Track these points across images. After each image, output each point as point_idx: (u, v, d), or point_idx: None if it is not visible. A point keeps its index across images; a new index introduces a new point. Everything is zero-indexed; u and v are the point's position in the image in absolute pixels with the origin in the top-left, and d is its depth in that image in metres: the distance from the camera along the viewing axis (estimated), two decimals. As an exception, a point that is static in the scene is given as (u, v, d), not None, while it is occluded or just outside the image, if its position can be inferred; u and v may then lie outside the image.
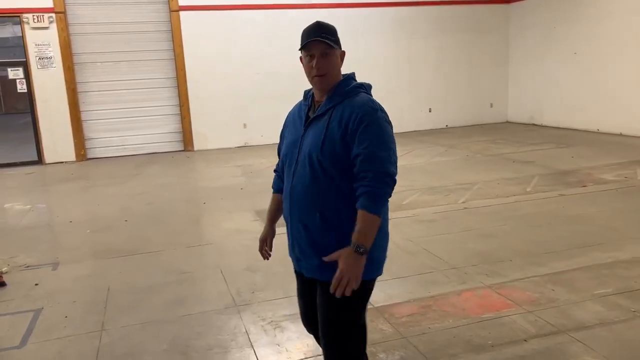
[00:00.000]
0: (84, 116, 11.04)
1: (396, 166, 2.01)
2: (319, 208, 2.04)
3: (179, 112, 11.64)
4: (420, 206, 6.08)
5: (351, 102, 2.06)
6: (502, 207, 5.96)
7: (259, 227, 5.60)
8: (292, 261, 2.29)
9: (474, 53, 13.35)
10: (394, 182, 1.98)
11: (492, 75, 13.76)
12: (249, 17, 11.69)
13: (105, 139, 11.27)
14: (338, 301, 1.94)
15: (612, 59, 10.73)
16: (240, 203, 6.80)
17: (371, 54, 12.52)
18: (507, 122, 13.94)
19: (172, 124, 11.70)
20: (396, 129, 2.47)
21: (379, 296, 3.74)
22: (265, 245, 2.52)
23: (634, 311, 3.37)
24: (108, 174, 9.41)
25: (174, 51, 11.33)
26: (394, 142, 2.03)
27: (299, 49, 2.13)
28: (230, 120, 11.93)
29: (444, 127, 13.28)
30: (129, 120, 11.36)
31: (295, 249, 2.20)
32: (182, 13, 11.23)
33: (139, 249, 5.15)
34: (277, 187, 2.44)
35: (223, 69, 11.65)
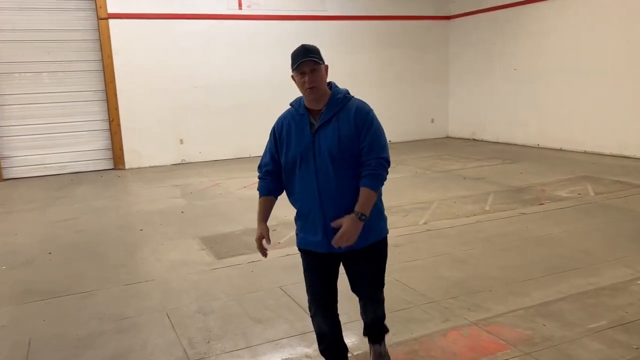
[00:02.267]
0: (-1, 132, 9.96)
1: (388, 151, 2.58)
2: (348, 193, 2.52)
3: (109, 128, 10.75)
4: (380, 229, 5.70)
5: (351, 105, 2.57)
6: (466, 229, 5.67)
7: (207, 258, 5.02)
8: (318, 246, 2.61)
9: (416, 69, 13.31)
10: (389, 164, 2.58)
11: (433, 91, 13.77)
12: (185, 27, 11.01)
13: (25, 157, 10.20)
14: (374, 259, 2.72)
15: (551, 74, 10.93)
16: (182, 229, 6.15)
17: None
18: (448, 137, 13.98)
19: (101, 141, 10.78)
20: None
21: (357, 340, 3.27)
22: (262, 244, 2.76)
23: (637, 348, 3.09)
24: (28, 197, 8.42)
25: (103, 62, 10.47)
26: (384, 133, 2.60)
27: (292, 69, 2.55)
28: (166, 136, 11.16)
29: (387, 142, 13.08)
30: (52, 137, 10.36)
31: (330, 234, 2.53)
32: (111, 21, 10.41)
33: (67, 289, 4.42)
34: (267, 191, 2.73)
35: (157, 81, 10.89)
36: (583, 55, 10.19)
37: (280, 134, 2.65)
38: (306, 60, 2.49)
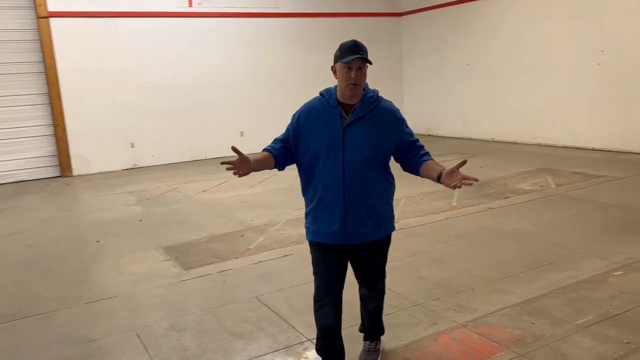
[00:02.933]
0: None
1: None
2: (374, 189, 2.64)
3: (54, 133, 10.15)
4: (351, 230, 5.56)
5: (385, 106, 2.70)
6: (437, 226, 5.62)
7: (173, 270, 4.75)
8: (331, 238, 2.68)
9: (369, 66, 13.23)
10: None
11: (387, 87, 13.65)
12: (131, 25, 10.52)
13: (-39, 167, 9.50)
14: (383, 249, 2.85)
15: (503, 69, 11.12)
16: (142, 239, 5.81)
17: (267, 67, 11.95)
18: (404, 133, 14.02)
19: (45, 147, 10.16)
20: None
21: (346, 350, 3.10)
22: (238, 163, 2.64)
23: (627, 342, 3.08)
24: (-33, 210, 7.81)
25: (45, 63, 9.87)
26: None
27: (338, 59, 2.58)
28: (115, 140, 10.64)
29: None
30: (-9, 144, 9.69)
31: (348, 225, 2.64)
32: (52, 20, 9.81)
33: (20, 311, 4.04)
34: (270, 149, 2.75)
35: (104, 83, 10.37)
36: (532, 51, 10.40)
37: (307, 122, 2.67)
38: (358, 58, 2.52)
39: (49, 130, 10.15)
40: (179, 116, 11.14)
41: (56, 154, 10.21)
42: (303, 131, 2.66)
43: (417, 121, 13.66)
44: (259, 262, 4.81)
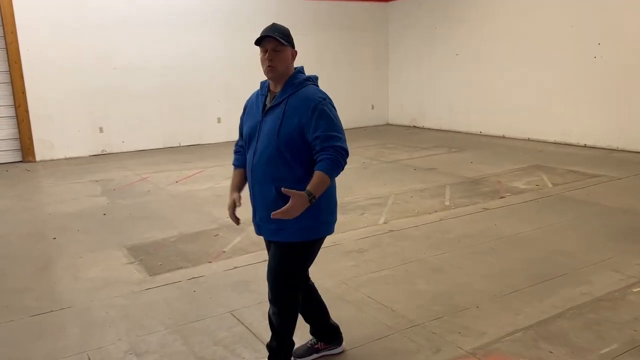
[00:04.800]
0: None
1: (346, 142, 2.41)
2: (274, 183, 2.41)
3: (14, 115, 9.42)
4: (337, 230, 5.03)
5: (303, 93, 2.43)
6: (431, 228, 5.15)
7: (137, 275, 4.19)
8: (254, 228, 2.62)
9: (354, 53, 12.71)
10: (348, 155, 2.40)
11: (373, 77, 13.27)
12: (100, 1, 9.78)
13: None
14: (281, 255, 2.54)
15: (494, 60, 10.70)
16: (104, 236, 5.23)
17: (246, 51, 11.28)
18: (388, 124, 13.57)
19: (6, 129, 9.43)
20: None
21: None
22: (235, 210, 2.68)
23: (664, 380, 2.65)
24: None
25: (5, 39, 9.11)
26: (341, 123, 2.44)
27: (255, 44, 2.42)
28: (83, 124, 9.95)
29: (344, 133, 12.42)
30: (-56, 125, 8.93)
31: (257, 217, 2.56)
32: (14, -9, 9.04)
33: (-46, 325, 3.45)
34: (239, 163, 2.73)
35: (71, 62, 9.65)
36: (525, 41, 9.99)
37: (245, 109, 2.66)
38: (269, 37, 2.39)
39: (10, 112, 9.42)
40: (152, 100, 10.48)
41: (17, 137, 9.50)
42: (242, 120, 2.66)
43: (402, 111, 13.22)
44: (235, 267, 4.28)
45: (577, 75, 9.24)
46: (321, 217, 2.49)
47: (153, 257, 4.58)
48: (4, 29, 9.06)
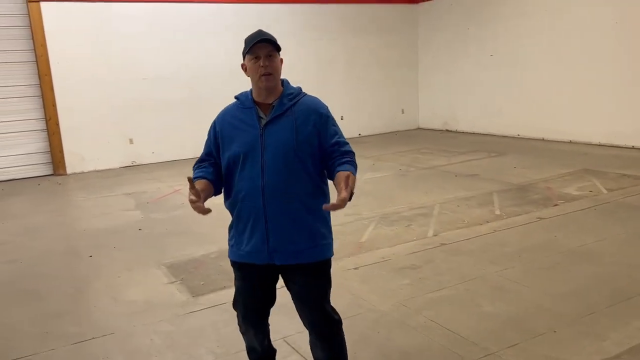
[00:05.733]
0: None
1: None
2: (299, 196, 2.25)
3: (45, 128, 9.35)
4: (384, 244, 4.75)
5: (306, 101, 2.34)
6: (485, 241, 4.83)
7: (180, 297, 3.97)
8: (254, 257, 2.31)
9: (384, 56, 12.41)
10: None
11: (403, 80, 12.96)
12: (127, 11, 9.68)
13: (-57, 165, 8.71)
14: (322, 280, 2.39)
15: (531, 60, 10.30)
16: (142, 253, 5.03)
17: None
18: (419, 128, 13.23)
19: (36, 143, 9.36)
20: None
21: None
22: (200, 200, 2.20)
23: None
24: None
25: (35, 52, 9.05)
26: None
27: (244, 53, 2.28)
28: (112, 136, 9.84)
29: (357, 135, 12.17)
30: (-23, 140, 8.90)
31: (271, 241, 2.26)
32: (43, 4, 9.00)
33: (-8, 355, 3.27)
34: (202, 174, 2.37)
35: (100, 73, 9.55)
36: (567, 38, 9.58)
37: (222, 129, 2.36)
38: (263, 42, 2.23)
39: (41, 125, 9.35)
40: (182, 110, 10.33)
41: (48, 150, 9.42)
42: (220, 139, 2.34)
43: (433, 116, 12.88)
44: (282, 286, 4.03)
45: (622, 72, 8.80)
46: (331, 232, 2.42)
47: (194, 276, 4.36)
48: (34, 42, 9.01)
